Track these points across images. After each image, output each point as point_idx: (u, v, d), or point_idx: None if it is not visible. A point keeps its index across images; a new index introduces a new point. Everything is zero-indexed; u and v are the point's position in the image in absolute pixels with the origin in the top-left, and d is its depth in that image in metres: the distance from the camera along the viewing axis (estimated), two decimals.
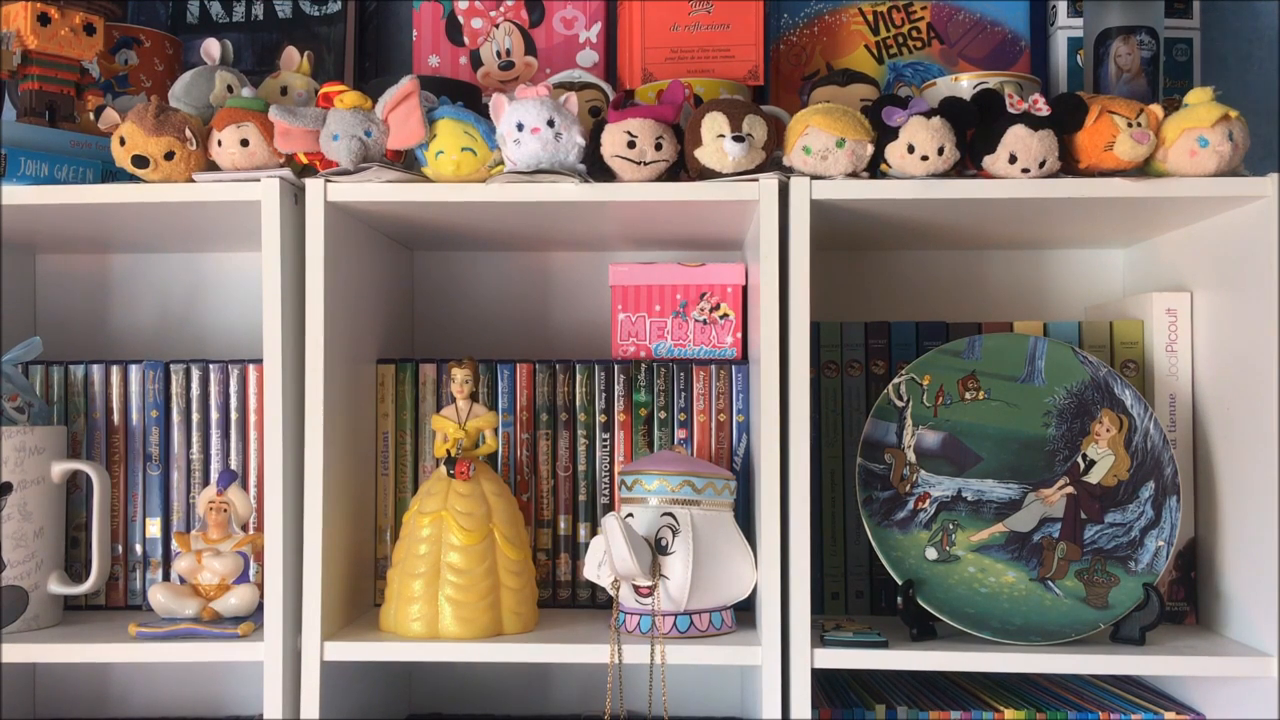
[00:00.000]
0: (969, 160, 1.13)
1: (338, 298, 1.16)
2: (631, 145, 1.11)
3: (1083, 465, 1.17)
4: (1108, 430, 1.18)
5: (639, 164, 1.11)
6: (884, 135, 1.11)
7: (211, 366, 1.28)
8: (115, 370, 1.29)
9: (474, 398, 1.22)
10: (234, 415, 1.28)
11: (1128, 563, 1.15)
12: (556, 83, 1.30)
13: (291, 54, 1.25)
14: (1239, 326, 1.16)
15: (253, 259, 1.45)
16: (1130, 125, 1.09)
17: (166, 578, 1.27)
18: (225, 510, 1.20)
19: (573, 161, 1.12)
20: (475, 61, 1.41)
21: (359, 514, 1.24)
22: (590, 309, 1.46)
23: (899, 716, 1.17)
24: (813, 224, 1.11)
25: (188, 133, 1.13)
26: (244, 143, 1.13)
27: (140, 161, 1.12)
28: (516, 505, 1.20)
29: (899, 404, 1.19)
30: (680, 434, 1.26)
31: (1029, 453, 1.18)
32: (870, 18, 1.41)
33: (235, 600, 1.17)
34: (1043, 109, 1.10)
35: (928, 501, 1.17)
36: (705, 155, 1.11)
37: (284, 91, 1.23)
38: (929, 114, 1.10)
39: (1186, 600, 1.24)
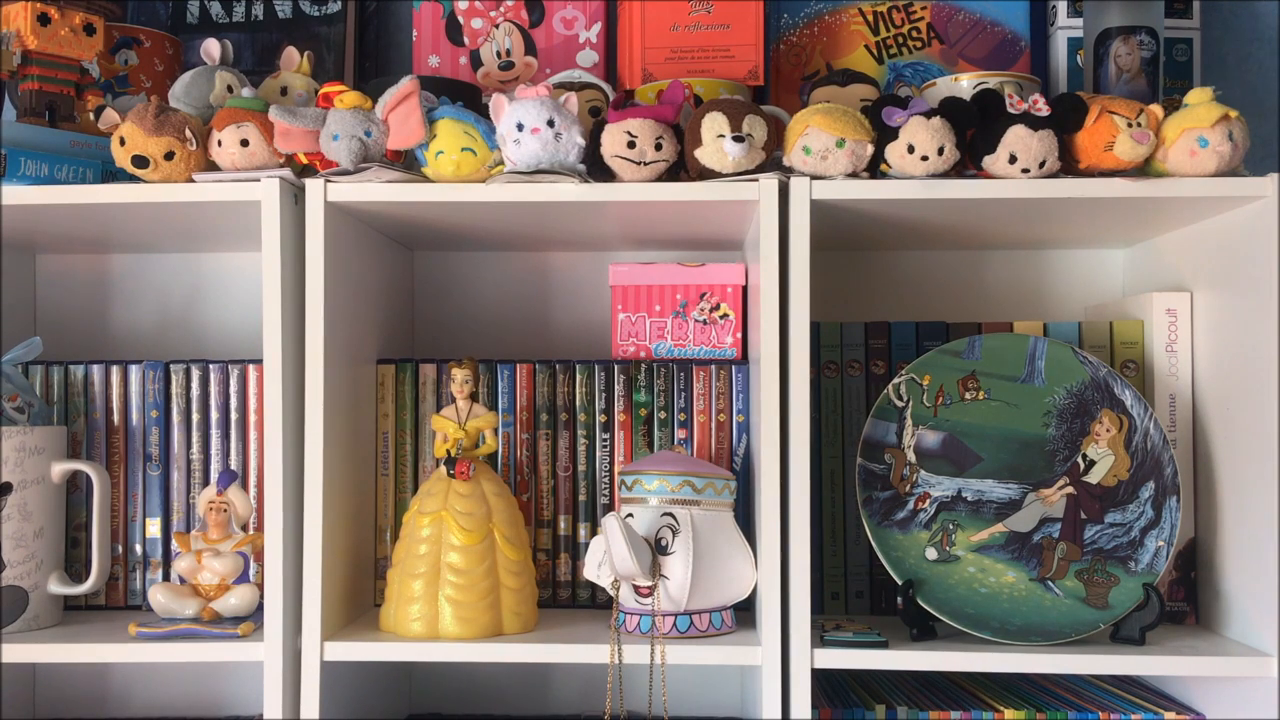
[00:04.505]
0: (969, 160, 1.13)
1: (338, 298, 1.16)
2: (631, 145, 1.11)
3: (1083, 465, 1.17)
4: (1108, 430, 1.18)
5: (639, 164, 1.11)
6: (884, 135, 1.11)
7: (211, 366, 1.28)
8: (115, 370, 1.29)
9: (474, 398, 1.22)
10: (234, 415, 1.28)
11: (1128, 563, 1.15)
12: (556, 83, 1.30)
13: (291, 54, 1.25)
14: (1239, 326, 1.16)
15: (253, 259, 1.45)
16: (1130, 125, 1.09)
17: (166, 578, 1.27)
18: (225, 510, 1.20)
19: (573, 161, 1.12)
20: (475, 61, 1.41)
21: (359, 514, 1.24)
22: (590, 309, 1.46)
23: (899, 716, 1.17)
24: (813, 224, 1.11)
25: (188, 133, 1.13)
26: (244, 143, 1.13)
27: (140, 161, 1.12)
28: (516, 505, 1.20)
29: (899, 404, 1.19)
30: (680, 434, 1.26)
31: (1029, 453, 1.18)
32: (870, 18, 1.41)
33: (235, 600, 1.17)
34: (1043, 109, 1.10)
35: (928, 501, 1.17)
36: (705, 155, 1.11)
37: (284, 91, 1.23)
38: (929, 114, 1.10)
39: (1186, 600, 1.24)
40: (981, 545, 1.16)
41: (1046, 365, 1.20)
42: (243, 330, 1.46)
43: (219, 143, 1.13)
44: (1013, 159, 1.10)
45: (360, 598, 1.25)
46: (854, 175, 1.11)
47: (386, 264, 1.35)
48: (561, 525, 1.27)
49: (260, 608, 1.16)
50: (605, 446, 1.27)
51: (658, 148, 1.11)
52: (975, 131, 1.12)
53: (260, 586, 1.17)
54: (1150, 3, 1.23)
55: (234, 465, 1.28)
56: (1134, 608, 1.13)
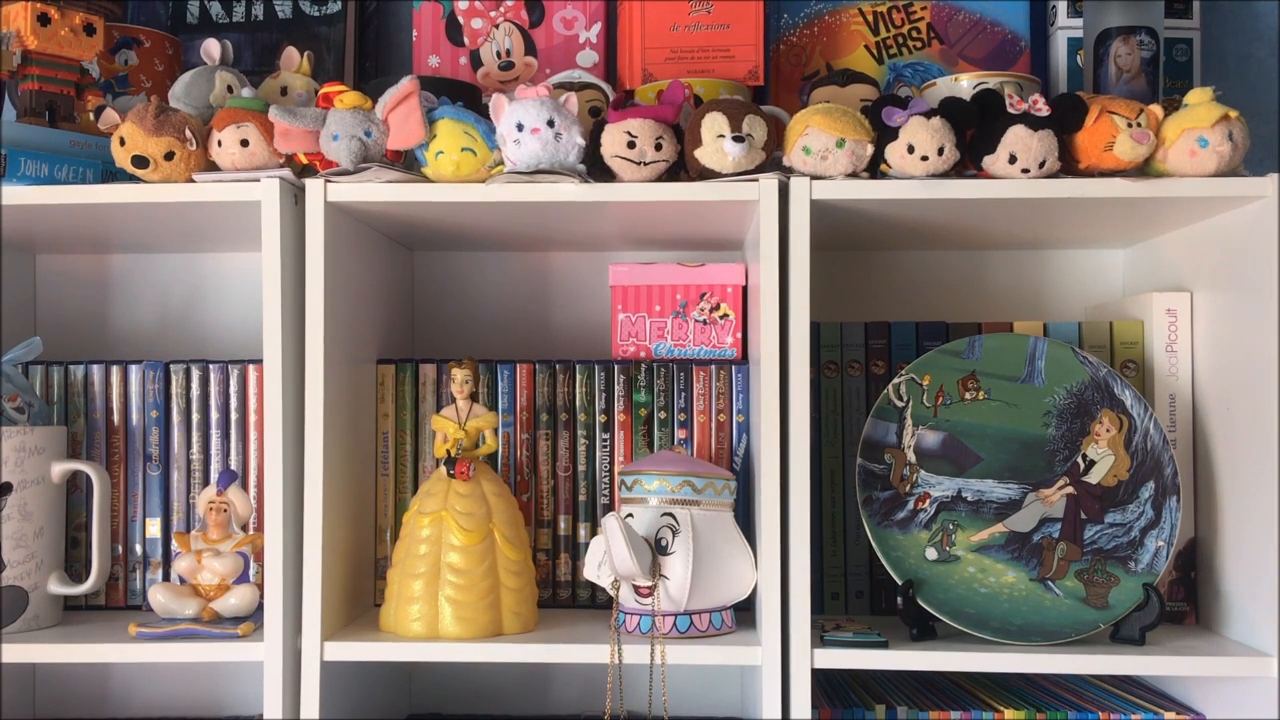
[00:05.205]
0: (969, 160, 1.13)
1: (338, 298, 1.16)
2: (631, 145, 1.11)
3: (1083, 465, 1.17)
4: (1108, 430, 1.18)
5: (639, 164, 1.11)
6: (884, 135, 1.11)
7: (211, 366, 1.28)
8: (115, 370, 1.29)
9: (474, 398, 1.22)
10: (234, 415, 1.28)
11: (1128, 563, 1.15)
12: (556, 83, 1.30)
13: (291, 54, 1.25)
14: (1239, 326, 1.16)
15: (253, 259, 1.45)
16: (1130, 125, 1.09)
17: (166, 578, 1.27)
18: (225, 510, 1.20)
19: (573, 161, 1.12)
20: (475, 62, 1.41)
21: (359, 514, 1.24)
22: (590, 309, 1.46)
23: (899, 716, 1.17)
24: (813, 224, 1.11)
25: (188, 133, 1.13)
26: (244, 143, 1.13)
27: (140, 161, 1.12)
28: (516, 505, 1.20)
29: (899, 404, 1.19)
30: (680, 434, 1.26)
31: (1029, 453, 1.18)
32: (870, 18, 1.41)
33: (235, 600, 1.17)
34: (1043, 109, 1.10)
35: (928, 501, 1.17)
36: (705, 155, 1.11)
37: (284, 91, 1.23)
38: (929, 114, 1.10)
39: (1186, 600, 1.24)
40: (981, 545, 1.16)
41: (1046, 365, 1.20)
42: (243, 330, 1.46)
43: (219, 143, 1.13)
44: (1013, 159, 1.10)
45: (360, 598, 1.25)
46: (854, 175, 1.11)
47: (386, 264, 1.35)
48: (561, 525, 1.27)
49: (260, 608, 1.16)
50: (605, 446, 1.27)
51: (658, 148, 1.11)
52: (975, 131, 1.12)
53: (260, 586, 1.17)
54: (1150, 3, 1.23)
55: (234, 465, 1.28)
56: (1134, 608, 1.13)
